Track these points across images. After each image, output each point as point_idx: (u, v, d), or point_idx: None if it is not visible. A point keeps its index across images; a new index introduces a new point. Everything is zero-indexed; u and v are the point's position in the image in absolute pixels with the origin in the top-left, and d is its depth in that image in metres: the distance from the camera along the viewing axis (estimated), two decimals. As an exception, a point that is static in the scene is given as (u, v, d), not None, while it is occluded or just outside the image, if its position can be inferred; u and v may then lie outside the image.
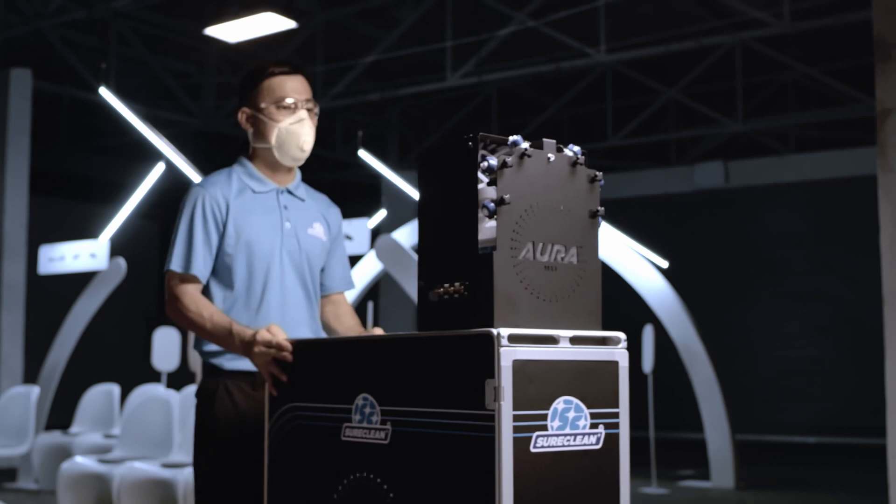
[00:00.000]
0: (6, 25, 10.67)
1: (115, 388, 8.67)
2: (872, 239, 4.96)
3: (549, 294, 2.13)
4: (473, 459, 1.98)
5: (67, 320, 9.56)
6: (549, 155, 2.17)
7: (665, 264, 10.73)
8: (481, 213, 2.10)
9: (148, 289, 16.61)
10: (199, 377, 6.71)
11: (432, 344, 2.11)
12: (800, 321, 15.42)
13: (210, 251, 2.71)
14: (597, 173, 2.25)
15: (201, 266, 2.69)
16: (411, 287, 8.17)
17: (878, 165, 4.76)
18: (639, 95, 13.42)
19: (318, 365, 2.38)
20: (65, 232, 12.52)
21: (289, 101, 2.77)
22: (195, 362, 7.97)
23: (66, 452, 7.89)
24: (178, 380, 9.08)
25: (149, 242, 16.82)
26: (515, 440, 1.96)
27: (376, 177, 14.26)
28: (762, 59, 11.86)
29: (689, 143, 15.25)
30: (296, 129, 2.77)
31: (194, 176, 9.15)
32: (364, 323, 3.22)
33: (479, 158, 2.12)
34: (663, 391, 10.62)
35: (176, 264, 2.69)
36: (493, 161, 2.10)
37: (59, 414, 10.02)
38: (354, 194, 15.95)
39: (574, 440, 2.07)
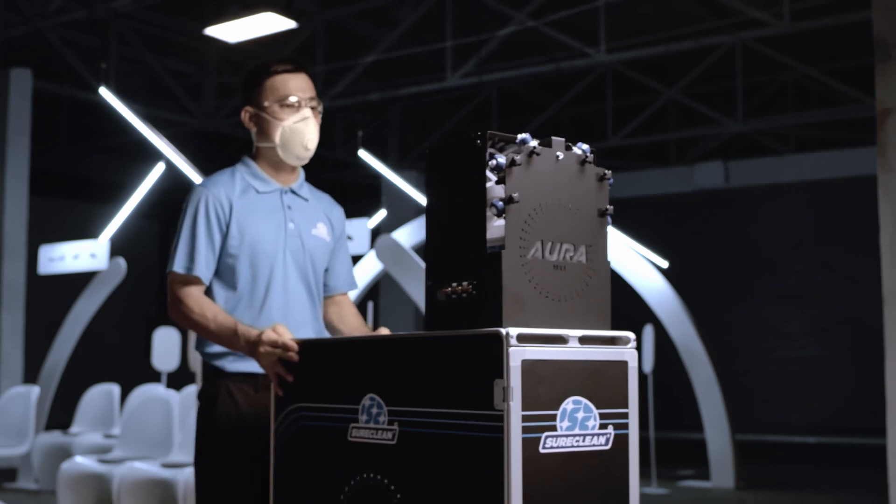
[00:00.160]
0: (6, 25, 10.65)
1: (115, 388, 8.66)
2: (872, 239, 4.95)
3: (557, 293, 2.12)
4: (482, 460, 1.96)
5: (67, 320, 9.55)
6: (558, 153, 2.15)
7: (665, 264, 10.72)
8: (489, 212, 2.08)
9: (148, 289, 16.60)
10: (199, 377, 6.70)
11: (440, 344, 2.09)
12: (800, 321, 15.42)
13: (213, 252, 2.68)
14: (606, 172, 2.23)
15: (204, 267, 2.66)
16: (411, 287, 8.15)
17: (878, 165, 4.75)
18: (639, 95, 13.41)
19: (325, 365, 2.36)
20: (65, 232, 12.50)
21: (292, 99, 2.73)
22: (195, 362, 7.95)
23: (66, 452, 7.87)
24: (178, 380, 9.07)
25: (149, 242, 16.80)
26: (524, 441, 1.94)
27: (376, 177, 14.24)
28: (762, 59, 11.85)
29: (689, 143, 15.24)
30: (300, 128, 2.73)
31: (194, 176, 9.13)
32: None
33: (488, 157, 2.09)
34: (663, 391, 10.61)
35: (179, 266, 2.66)
36: (501, 159, 2.07)
37: (59, 414, 10.00)
38: (354, 194, 15.92)
39: (583, 441, 2.05)
